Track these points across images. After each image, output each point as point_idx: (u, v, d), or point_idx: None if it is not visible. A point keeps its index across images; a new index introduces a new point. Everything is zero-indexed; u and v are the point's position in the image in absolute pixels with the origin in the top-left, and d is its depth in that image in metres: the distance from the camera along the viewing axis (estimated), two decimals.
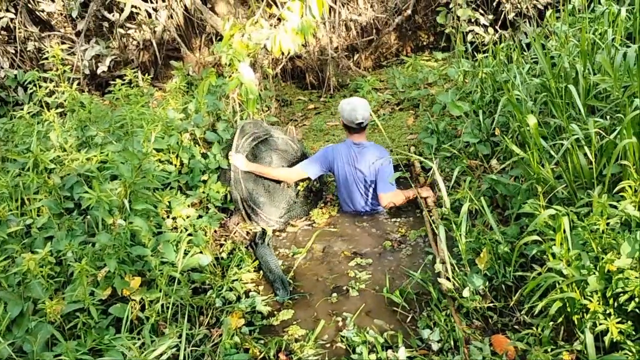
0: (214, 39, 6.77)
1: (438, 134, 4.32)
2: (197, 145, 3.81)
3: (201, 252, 3.12)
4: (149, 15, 6.48)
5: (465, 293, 2.71)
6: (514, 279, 2.73)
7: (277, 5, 4.69)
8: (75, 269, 2.42)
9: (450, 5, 6.05)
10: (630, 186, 2.40)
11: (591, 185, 2.72)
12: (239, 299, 3.07)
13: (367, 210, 4.06)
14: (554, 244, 2.41)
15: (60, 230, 2.81)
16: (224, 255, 3.49)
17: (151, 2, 6.44)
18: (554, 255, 2.38)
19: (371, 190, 4.00)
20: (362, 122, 3.91)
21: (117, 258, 2.58)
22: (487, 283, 2.75)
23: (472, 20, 6.03)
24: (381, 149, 4.05)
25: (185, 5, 6.53)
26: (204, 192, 3.62)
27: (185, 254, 2.92)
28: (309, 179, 4.11)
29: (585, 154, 2.72)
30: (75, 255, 2.60)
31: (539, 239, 2.50)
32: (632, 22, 3.88)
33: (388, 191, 3.93)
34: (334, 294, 3.10)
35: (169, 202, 3.23)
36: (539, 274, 2.43)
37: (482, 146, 3.88)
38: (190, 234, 3.11)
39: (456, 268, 2.87)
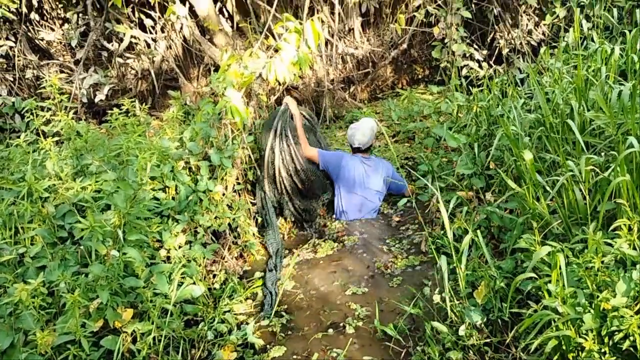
0: (211, 69, 6.83)
1: (432, 171, 4.33)
2: (191, 173, 3.81)
3: (194, 283, 3.10)
4: (148, 46, 6.55)
5: (462, 330, 2.69)
6: (510, 314, 2.72)
7: (274, 37, 4.75)
8: (68, 300, 2.39)
9: (446, 41, 6.14)
10: (625, 224, 2.41)
11: (586, 221, 2.73)
12: (230, 331, 3.04)
13: (362, 217, 4.38)
14: (550, 281, 2.40)
15: (53, 260, 2.79)
16: (217, 285, 3.47)
17: (150, 33, 6.50)
18: (549, 292, 2.38)
19: (376, 199, 4.40)
20: (359, 147, 4.43)
21: (110, 289, 2.56)
22: (484, 318, 2.74)
23: (467, 55, 6.11)
24: (384, 161, 4.54)
25: (184, 36, 6.60)
26: (192, 219, 3.60)
27: (179, 285, 2.89)
28: (315, 164, 4.40)
29: (580, 190, 2.74)
30: (67, 286, 2.57)
31: (535, 275, 2.50)
32: (624, 59, 3.95)
33: (406, 188, 4.45)
34: (330, 330, 3.07)
35: (159, 232, 3.20)
36: (535, 311, 2.42)
37: (476, 179, 3.89)
38: (183, 265, 3.09)
39: (455, 301, 2.86)
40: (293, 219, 4.41)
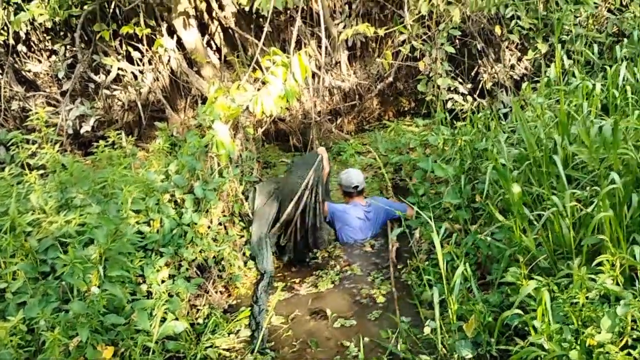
0: (199, 101, 6.85)
1: (419, 202, 4.35)
2: (176, 205, 3.79)
3: (177, 319, 3.05)
4: (135, 77, 6.57)
5: None
6: (498, 350, 2.70)
7: (262, 70, 4.79)
8: (48, 338, 2.35)
9: (431, 74, 6.22)
10: (608, 260, 2.42)
11: (571, 255, 2.74)
12: None
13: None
14: (535, 316, 2.40)
15: (34, 296, 2.74)
16: (200, 320, 3.42)
17: (138, 65, 6.53)
18: (535, 328, 2.37)
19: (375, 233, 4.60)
20: (357, 186, 4.63)
21: (90, 327, 2.51)
22: (475, 352, 2.72)
23: (452, 88, 6.19)
24: (380, 204, 4.64)
25: (171, 68, 6.63)
26: (176, 252, 3.56)
27: (161, 321, 2.85)
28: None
29: (565, 224, 2.76)
30: (47, 323, 2.52)
31: (521, 312, 2.49)
32: (605, 94, 4.02)
33: (407, 208, 4.48)
34: None
35: (142, 267, 3.16)
36: (522, 347, 2.41)
37: (462, 211, 3.91)
38: (166, 301, 3.05)
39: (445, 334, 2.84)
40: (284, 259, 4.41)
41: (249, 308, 3.63)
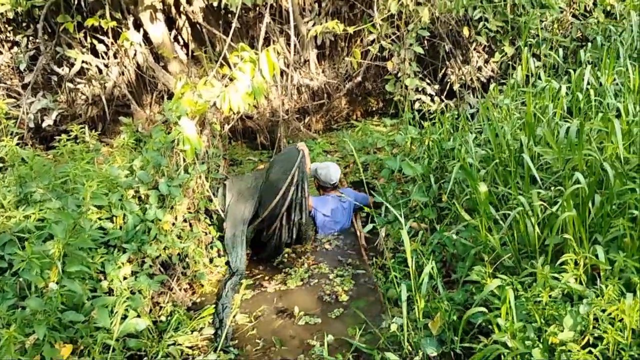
0: (165, 96, 6.74)
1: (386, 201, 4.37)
2: (140, 202, 3.71)
3: (138, 316, 2.98)
4: (100, 71, 6.42)
5: None
6: (462, 347, 2.71)
7: (229, 67, 4.73)
8: (3, 335, 2.27)
9: (399, 75, 6.24)
10: (571, 259, 2.46)
11: (535, 254, 2.77)
12: None
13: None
14: (499, 314, 2.41)
15: None
16: (163, 318, 3.36)
17: (103, 58, 6.39)
18: (499, 326, 2.39)
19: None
20: (334, 182, 4.82)
21: (48, 324, 2.43)
22: (440, 349, 2.73)
23: (420, 89, 6.22)
24: (351, 195, 4.86)
25: (137, 62, 6.50)
26: (139, 249, 3.48)
27: (124, 318, 2.78)
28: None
29: (530, 224, 2.79)
30: (3, 320, 2.44)
31: (485, 310, 2.51)
32: (571, 97, 4.09)
33: (368, 199, 4.84)
34: None
35: (102, 263, 3.08)
36: (485, 345, 2.43)
37: (428, 210, 3.93)
38: (128, 298, 2.98)
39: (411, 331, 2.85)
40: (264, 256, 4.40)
41: (213, 305, 3.58)
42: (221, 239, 4.25)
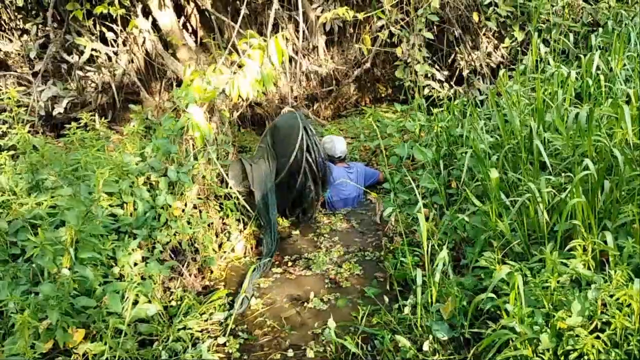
0: (174, 84, 6.76)
1: (395, 188, 4.38)
2: (151, 188, 3.73)
3: (150, 302, 3.02)
4: (109, 59, 6.44)
5: (426, 346, 2.69)
6: (472, 332, 2.73)
7: (238, 53, 4.73)
8: (17, 320, 2.31)
9: (408, 61, 6.22)
10: (580, 245, 2.46)
11: (544, 240, 2.77)
12: (185, 349, 2.97)
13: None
14: (508, 300, 2.42)
15: (3, 279, 2.68)
16: (173, 303, 3.39)
17: (112, 46, 6.40)
18: (507, 312, 2.40)
19: (356, 197, 4.93)
20: (340, 156, 5.01)
21: (60, 309, 2.47)
22: (450, 334, 2.74)
23: (429, 75, 6.20)
24: (360, 168, 5.06)
25: (146, 50, 6.52)
26: (149, 235, 3.51)
27: (135, 303, 2.82)
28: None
29: (540, 210, 2.79)
30: (17, 306, 2.48)
31: (494, 296, 2.52)
32: (580, 83, 4.07)
33: (378, 175, 5.12)
34: (290, 351, 3.02)
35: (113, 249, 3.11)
36: (494, 330, 2.44)
37: (437, 197, 3.93)
38: (138, 283, 3.01)
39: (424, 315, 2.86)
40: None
41: (225, 289, 3.62)
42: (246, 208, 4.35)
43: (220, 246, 4.16)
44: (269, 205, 4.28)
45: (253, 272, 3.74)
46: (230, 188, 4.29)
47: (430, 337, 2.72)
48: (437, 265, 2.83)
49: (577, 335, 2.19)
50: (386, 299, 3.28)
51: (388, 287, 3.51)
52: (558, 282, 2.39)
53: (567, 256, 2.54)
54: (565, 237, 2.72)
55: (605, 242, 2.49)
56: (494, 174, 2.95)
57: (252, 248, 4.30)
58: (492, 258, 2.74)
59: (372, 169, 5.21)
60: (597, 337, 2.18)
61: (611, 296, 2.25)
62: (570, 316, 2.23)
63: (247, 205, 4.32)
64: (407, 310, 2.97)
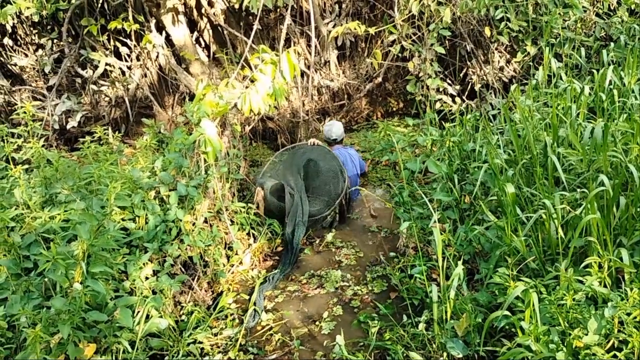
0: (187, 98, 6.80)
1: (406, 202, 4.35)
2: (162, 202, 3.74)
3: (161, 316, 3.01)
4: (123, 73, 6.50)
5: None
6: (485, 350, 2.69)
7: (250, 68, 4.76)
8: (29, 335, 2.31)
9: (420, 75, 6.22)
10: (595, 262, 2.43)
11: (559, 256, 2.74)
12: None
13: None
14: (523, 317, 2.39)
15: (16, 293, 2.69)
16: (184, 317, 3.39)
17: (126, 61, 6.46)
18: (522, 329, 2.36)
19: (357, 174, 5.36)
20: (335, 139, 5.41)
21: (72, 324, 2.47)
22: (466, 352, 2.70)
23: (441, 89, 6.19)
24: (353, 150, 5.50)
25: (159, 64, 6.58)
26: (160, 249, 3.51)
27: (146, 318, 2.81)
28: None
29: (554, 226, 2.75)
30: (28, 320, 2.48)
31: (509, 313, 2.49)
32: (593, 97, 4.04)
33: (364, 166, 5.61)
34: None
35: (124, 263, 3.11)
36: (509, 348, 2.40)
37: (451, 212, 3.90)
38: (148, 297, 3.00)
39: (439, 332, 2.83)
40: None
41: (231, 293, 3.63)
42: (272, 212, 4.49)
43: (228, 259, 4.15)
44: (296, 236, 4.30)
45: (262, 285, 3.73)
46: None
47: (445, 354, 2.69)
48: (452, 281, 2.79)
49: (593, 354, 2.15)
50: (399, 316, 3.25)
51: (401, 303, 3.48)
52: (574, 299, 2.35)
53: (583, 273, 2.51)
54: (580, 253, 2.68)
55: (621, 259, 2.46)
56: (510, 188, 2.93)
57: (260, 261, 4.29)
58: (506, 274, 2.71)
59: (362, 161, 5.58)
60: (614, 356, 2.15)
61: (628, 314, 2.22)
62: (586, 334, 2.20)
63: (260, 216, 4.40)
64: (421, 326, 2.93)
